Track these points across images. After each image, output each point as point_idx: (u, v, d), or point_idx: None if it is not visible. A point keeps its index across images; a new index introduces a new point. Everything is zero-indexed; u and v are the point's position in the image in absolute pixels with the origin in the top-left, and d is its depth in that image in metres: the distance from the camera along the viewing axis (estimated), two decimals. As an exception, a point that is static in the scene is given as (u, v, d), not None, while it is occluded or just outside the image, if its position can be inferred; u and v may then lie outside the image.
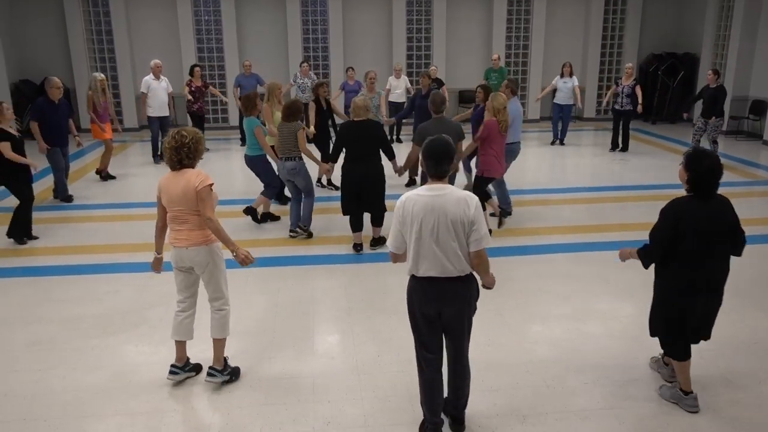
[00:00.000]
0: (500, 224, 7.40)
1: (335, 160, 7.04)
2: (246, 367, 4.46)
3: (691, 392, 3.99)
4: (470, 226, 3.31)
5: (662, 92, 15.45)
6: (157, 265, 4.35)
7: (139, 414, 3.95)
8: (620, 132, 12.17)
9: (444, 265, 3.34)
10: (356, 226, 6.84)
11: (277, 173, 7.60)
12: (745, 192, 9.25)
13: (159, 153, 11.33)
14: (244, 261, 4.09)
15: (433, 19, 15.22)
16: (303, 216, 7.21)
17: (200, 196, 3.94)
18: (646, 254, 3.92)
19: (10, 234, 7.15)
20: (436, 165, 3.38)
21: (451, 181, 6.70)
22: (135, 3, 14.47)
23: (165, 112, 11.27)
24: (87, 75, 14.36)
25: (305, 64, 12.50)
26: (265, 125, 7.79)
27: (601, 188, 9.66)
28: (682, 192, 3.85)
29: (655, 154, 12.12)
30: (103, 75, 10.18)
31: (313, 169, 7.60)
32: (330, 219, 7.81)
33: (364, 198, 6.70)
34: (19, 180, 7.11)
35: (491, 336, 4.88)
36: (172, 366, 4.30)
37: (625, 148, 12.22)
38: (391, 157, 6.96)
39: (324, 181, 9.42)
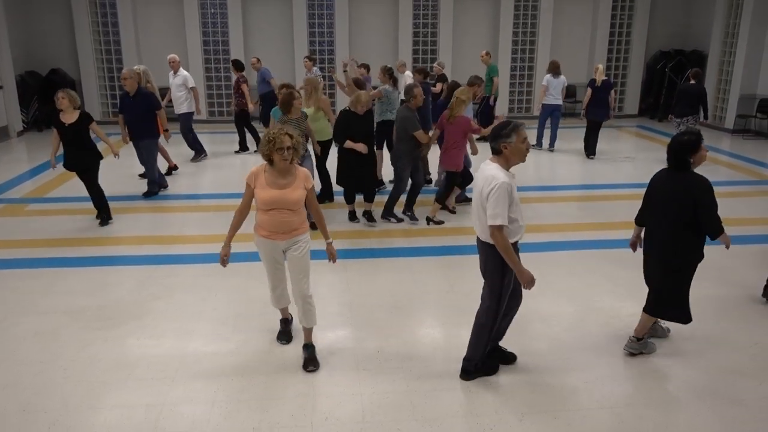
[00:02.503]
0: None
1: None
2: (244, 362, 4.47)
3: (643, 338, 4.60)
4: (486, 201, 3.74)
5: (669, 90, 15.38)
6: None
7: (138, 406, 3.96)
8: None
9: (479, 230, 3.94)
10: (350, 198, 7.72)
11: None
12: (752, 191, 9.19)
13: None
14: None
15: (439, 13, 15.17)
16: None
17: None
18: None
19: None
20: (492, 141, 3.88)
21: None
22: (141, -5, 14.50)
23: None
24: (93, 67, 14.42)
25: (306, 60, 11.66)
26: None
27: (604, 186, 9.62)
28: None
29: (661, 150, 12.03)
30: (144, 66, 9.36)
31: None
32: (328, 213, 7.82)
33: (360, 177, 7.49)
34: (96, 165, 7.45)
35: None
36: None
37: (592, 153, 11.33)
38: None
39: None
